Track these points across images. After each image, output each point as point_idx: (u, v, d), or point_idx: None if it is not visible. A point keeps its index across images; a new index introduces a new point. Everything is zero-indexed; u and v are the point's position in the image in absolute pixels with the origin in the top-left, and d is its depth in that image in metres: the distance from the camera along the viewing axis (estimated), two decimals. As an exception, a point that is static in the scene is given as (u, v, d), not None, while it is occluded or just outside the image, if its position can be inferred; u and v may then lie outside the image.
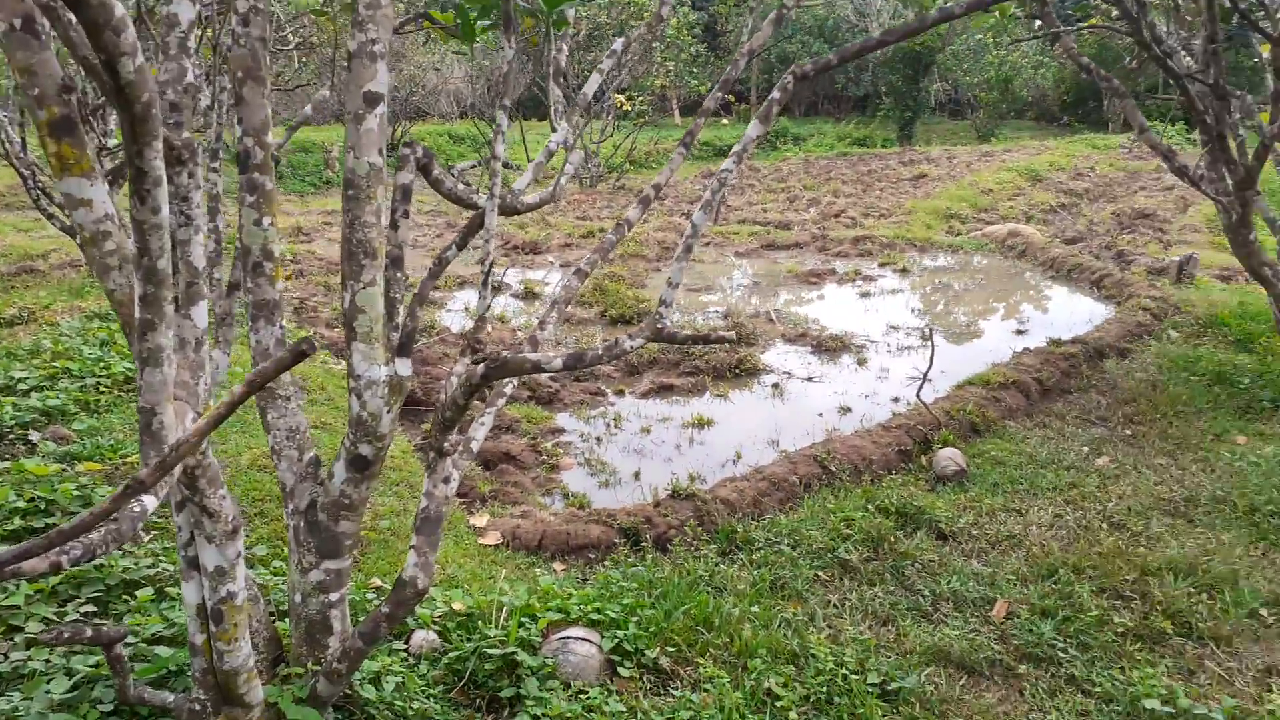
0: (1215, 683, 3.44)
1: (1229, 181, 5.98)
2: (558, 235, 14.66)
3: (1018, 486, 5.25)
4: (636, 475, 5.74)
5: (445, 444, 2.67)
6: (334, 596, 2.89)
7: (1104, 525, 4.71)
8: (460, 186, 3.24)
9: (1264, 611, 3.86)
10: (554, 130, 3.34)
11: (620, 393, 7.32)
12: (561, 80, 3.85)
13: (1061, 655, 3.61)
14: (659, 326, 2.66)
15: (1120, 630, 3.73)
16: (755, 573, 4.19)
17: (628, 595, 3.83)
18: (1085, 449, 5.75)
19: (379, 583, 3.92)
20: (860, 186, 20.02)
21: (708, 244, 13.88)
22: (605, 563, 4.45)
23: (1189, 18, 6.48)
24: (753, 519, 4.86)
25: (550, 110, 3.46)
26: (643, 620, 3.65)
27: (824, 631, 3.79)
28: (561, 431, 6.48)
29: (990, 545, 4.59)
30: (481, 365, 2.51)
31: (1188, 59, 6.05)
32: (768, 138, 26.55)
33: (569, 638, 3.44)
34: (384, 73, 2.43)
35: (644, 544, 4.53)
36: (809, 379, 7.50)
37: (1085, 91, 30.09)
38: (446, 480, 2.71)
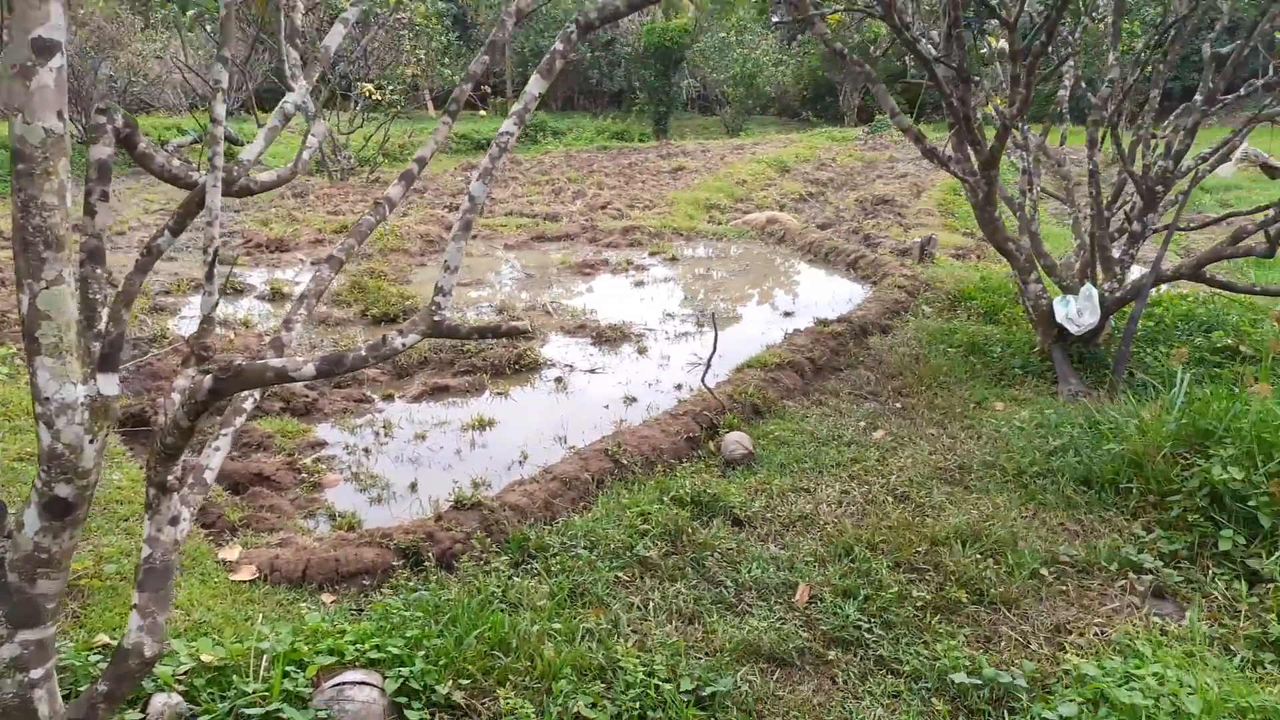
0: (1012, 647, 3.50)
1: (974, 161, 6.32)
2: (307, 231, 13.60)
3: (804, 465, 5.26)
4: (413, 487, 5.25)
5: (169, 477, 2.14)
6: (36, 674, 2.28)
7: (889, 498, 4.79)
8: (175, 163, 2.68)
9: (1044, 571, 4.01)
10: (289, 91, 2.84)
11: (389, 397, 6.75)
12: (298, 42, 3.33)
13: (868, 636, 3.55)
14: (436, 319, 2.28)
15: (919, 604, 3.74)
16: (552, 582, 3.87)
17: (411, 626, 3.39)
18: (862, 423, 5.88)
19: (106, 639, 3.26)
20: (623, 179, 20.15)
21: (475, 236, 13.36)
22: (383, 589, 3.97)
23: (930, 7, 6.83)
24: (546, 523, 4.53)
25: (285, 72, 2.95)
26: (430, 652, 3.23)
27: (630, 639, 3.53)
28: (323, 445, 5.85)
29: (785, 527, 4.53)
30: (210, 376, 2.01)
31: (930, 47, 6.33)
32: (527, 131, 26.20)
33: (345, 683, 2.97)
34: (59, 14, 1.88)
35: (427, 564, 4.09)
36: (592, 371, 7.27)
37: (822, 87, 32.06)
38: (174, 521, 2.19)
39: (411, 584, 3.95)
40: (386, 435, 6.03)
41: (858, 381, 6.70)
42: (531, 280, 10.69)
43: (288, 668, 3.04)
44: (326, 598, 3.90)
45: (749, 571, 4.05)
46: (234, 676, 3.01)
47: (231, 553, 4.14)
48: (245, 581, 3.91)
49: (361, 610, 3.78)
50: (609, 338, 8.01)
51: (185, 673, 2.96)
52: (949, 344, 7.30)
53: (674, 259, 11.58)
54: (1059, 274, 6.93)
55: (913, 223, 14.63)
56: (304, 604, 3.81)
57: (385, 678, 3.06)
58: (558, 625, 3.51)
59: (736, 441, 5.37)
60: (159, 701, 2.76)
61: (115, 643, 3.15)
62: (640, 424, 5.70)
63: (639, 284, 10.29)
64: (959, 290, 8.69)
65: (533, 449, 5.75)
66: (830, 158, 22.69)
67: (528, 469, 5.45)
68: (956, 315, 8.20)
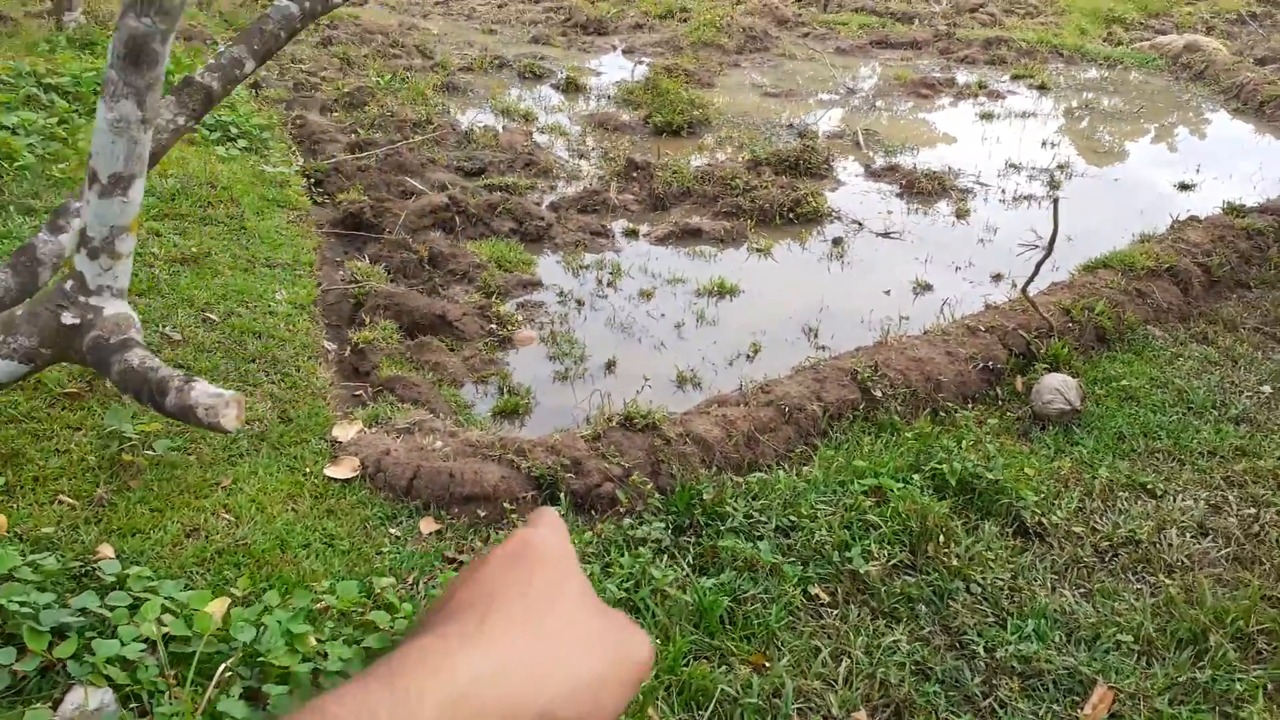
0: None
1: None
2: (633, 13, 12.42)
3: (1155, 444, 3.51)
4: (610, 366, 4.17)
5: None
6: None
7: (1291, 544, 2.98)
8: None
9: None
10: None
11: (633, 233, 5.62)
12: None
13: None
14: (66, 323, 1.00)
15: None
16: (705, 588, 2.65)
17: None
18: (1266, 387, 3.89)
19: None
20: (1007, -26, 16.72)
21: (805, 35, 11.50)
22: (500, 526, 2.99)
23: None
24: (740, 471, 3.28)
25: None
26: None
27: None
28: (536, 286, 4.89)
29: (1100, 557, 2.94)
30: None
31: None
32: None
33: None
34: None
35: (562, 499, 3.04)
36: (885, 234, 5.64)
37: None
38: None
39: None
40: (610, 286, 4.94)
41: (1273, 311, 4.54)
42: (852, 96, 8.83)
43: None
44: (427, 525, 2.99)
45: (1018, 635, 2.58)
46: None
47: (346, 431, 3.33)
48: (340, 481, 3.09)
49: (460, 555, 2.83)
50: (922, 189, 6.22)
51: (148, 641, 2.15)
52: None
53: (1042, 87, 9.09)
54: None
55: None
56: (394, 528, 2.93)
57: None
58: (682, 673, 2.33)
59: (1057, 388, 3.68)
60: (73, 700, 1.98)
61: None
62: (919, 335, 4.12)
63: (986, 116, 8.11)
64: None
65: (771, 339, 4.41)
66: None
67: (756, 365, 4.16)
68: None
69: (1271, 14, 13.85)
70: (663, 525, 2.93)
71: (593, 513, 3.05)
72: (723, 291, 4.87)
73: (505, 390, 3.94)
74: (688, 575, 2.74)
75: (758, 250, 5.41)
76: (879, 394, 3.63)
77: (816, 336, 4.44)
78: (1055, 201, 3.73)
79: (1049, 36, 10.99)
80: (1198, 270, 4.75)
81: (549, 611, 0.48)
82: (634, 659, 0.49)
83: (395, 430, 3.37)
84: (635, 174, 6.26)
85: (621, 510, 3.02)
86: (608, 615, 0.51)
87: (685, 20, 11.57)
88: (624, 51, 10.59)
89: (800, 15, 12.36)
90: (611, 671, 0.48)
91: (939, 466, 3.19)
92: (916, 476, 3.16)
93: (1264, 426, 3.60)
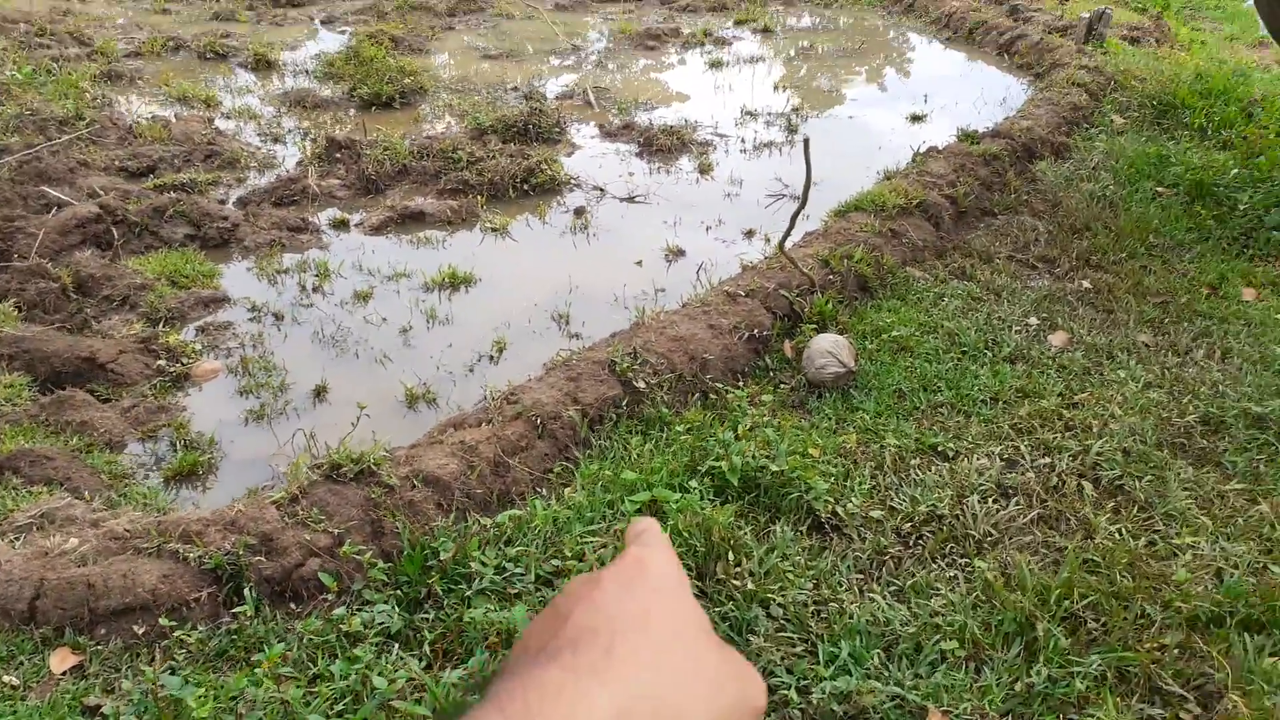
0: None
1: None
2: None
3: (937, 398, 3.22)
4: (319, 393, 3.41)
5: None
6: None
7: (1090, 489, 2.74)
8: None
9: None
10: None
11: (342, 224, 4.81)
12: None
13: None
14: None
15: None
16: (451, 685, 2.02)
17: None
18: (1031, 320, 3.73)
19: None
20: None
21: (522, -6, 10.82)
22: (161, 644, 2.21)
23: None
24: (487, 509, 2.66)
25: None
26: None
27: None
28: (221, 303, 4.00)
29: (903, 542, 2.58)
30: None
31: None
32: None
33: None
34: None
35: (248, 594, 2.29)
36: (630, 199, 5.15)
37: None
38: None
39: (215, 635, 2.18)
40: (316, 291, 4.14)
41: (1020, 237, 4.45)
42: (576, 52, 8.29)
43: None
44: (60, 661, 2.16)
45: (833, 666, 2.14)
46: None
47: (-65, 546, 2.39)
48: (-82, 624, 2.18)
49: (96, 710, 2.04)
50: (662, 145, 5.78)
51: None
52: (1159, 180, 4.89)
53: (766, 30, 8.96)
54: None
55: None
56: (8, 679, 2.08)
57: None
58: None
59: (828, 352, 3.32)
60: None
61: None
62: (678, 309, 3.65)
63: (715, 64, 7.82)
64: (1164, 92, 6.08)
65: (517, 332, 3.80)
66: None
67: (502, 369, 3.54)
68: (1163, 131, 5.68)
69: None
70: (389, 605, 2.27)
71: (293, 604, 2.33)
72: (455, 282, 4.19)
73: (181, 445, 3.09)
74: (427, 669, 2.10)
75: (492, 230, 4.76)
76: (642, 385, 3.12)
77: (568, 324, 3.87)
78: (806, 142, 3.33)
79: (766, -19, 10.95)
80: (945, 203, 4.60)
81: (671, 648, 0.45)
82: (751, 704, 0.47)
83: (13, 530, 2.48)
84: (340, 154, 5.40)
85: (331, 596, 2.32)
86: (724, 653, 0.48)
87: (390, -16, 10.56)
88: (323, 21, 9.51)
89: (516, -28, 11.66)
90: (730, 714, 0.45)
91: (717, 464, 2.71)
92: (694, 481, 2.67)
93: (1038, 362, 3.42)
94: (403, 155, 5.32)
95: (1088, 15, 8.35)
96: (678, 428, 2.98)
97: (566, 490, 2.72)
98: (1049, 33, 8.26)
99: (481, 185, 5.10)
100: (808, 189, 3.43)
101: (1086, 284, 4.02)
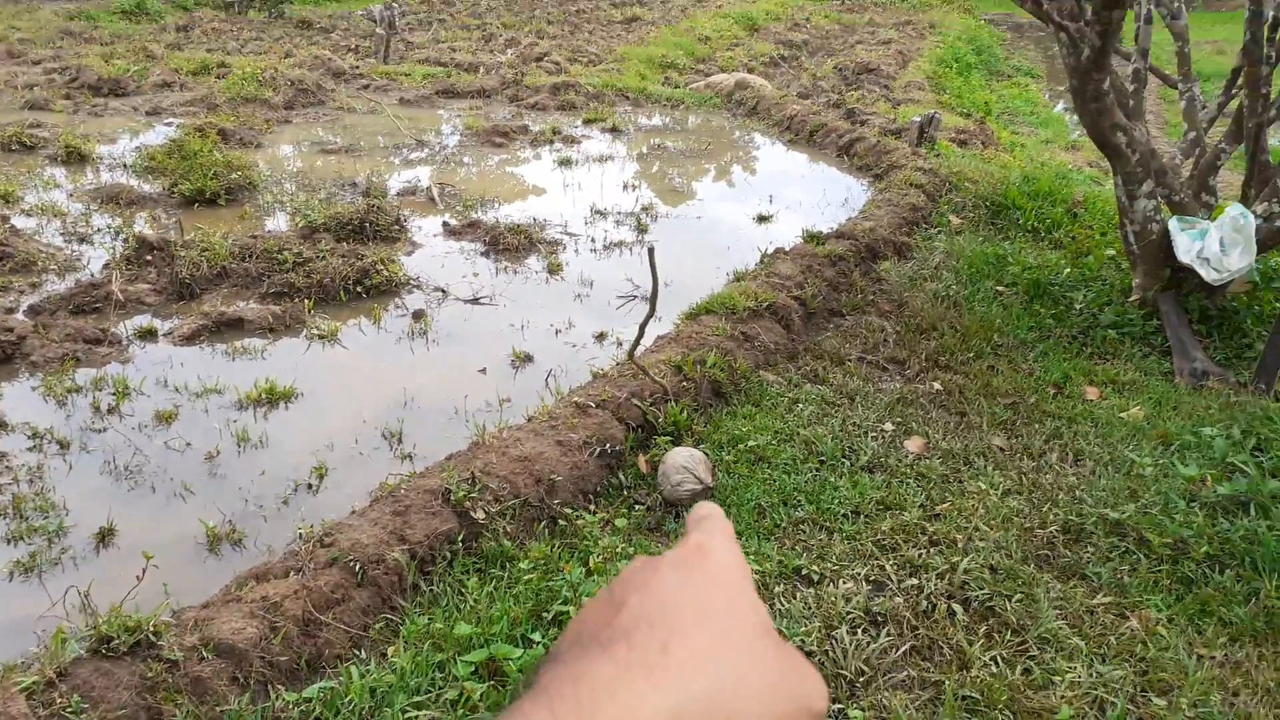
0: None
1: (1090, -1, 3.92)
2: (159, 71, 10.65)
3: (797, 514, 3.04)
4: (105, 538, 2.93)
5: None
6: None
7: (962, 614, 2.58)
8: None
9: None
10: None
11: (149, 334, 4.32)
12: None
13: None
14: None
15: None
16: None
17: None
18: (887, 425, 3.64)
19: None
20: (568, 27, 17.18)
21: (366, 87, 10.58)
22: None
23: None
24: (294, 680, 2.26)
25: None
26: None
27: None
28: (-8, 431, 3.45)
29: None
30: None
31: None
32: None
33: None
34: None
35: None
36: (474, 301, 4.87)
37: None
38: None
39: None
40: (111, 412, 3.64)
41: (869, 338, 4.43)
42: (422, 149, 8.07)
43: None
44: None
45: None
46: None
47: None
48: None
49: None
50: (509, 244, 5.57)
51: None
52: (999, 280, 5.02)
53: (615, 129, 9.01)
54: (1167, 185, 4.64)
55: (901, 97, 12.13)
56: None
57: None
58: None
59: (684, 468, 3.10)
60: None
61: None
62: (524, 424, 3.37)
63: (565, 163, 7.75)
64: (995, 194, 6.35)
65: (341, 455, 3.42)
66: (804, 17, 19.78)
67: (321, 500, 3.15)
68: (998, 231, 5.89)
69: (795, 56, 15.47)
70: (160, 822, 1.83)
71: (33, 832, 1.86)
72: (274, 398, 3.78)
73: (-83, 614, 2.55)
74: None
75: (320, 336, 4.37)
76: (481, 515, 2.80)
77: (400, 442, 3.52)
78: (650, 252, 3.16)
79: (614, 81, 11.12)
80: (795, 304, 4.54)
81: (731, 646, 0.42)
82: (811, 708, 0.44)
83: None
84: (151, 256, 4.92)
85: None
86: (785, 653, 0.45)
87: (224, 77, 10.12)
88: (148, 112, 8.95)
89: (358, 67, 11.43)
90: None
91: (565, 609, 2.42)
92: (539, 633, 2.36)
93: (896, 471, 3.30)
94: (223, 256, 4.89)
95: (919, 119, 8.80)
96: (521, 564, 2.67)
97: (390, 650, 2.36)
98: (884, 135, 8.64)
99: (310, 288, 4.73)
100: (654, 298, 3.25)
101: (937, 385, 4.00)
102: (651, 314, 3.28)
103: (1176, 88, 5.25)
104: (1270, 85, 4.37)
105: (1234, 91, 4.98)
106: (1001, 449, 3.52)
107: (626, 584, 0.44)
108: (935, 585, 2.70)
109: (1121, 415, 3.69)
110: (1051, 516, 3.04)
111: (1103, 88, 4.08)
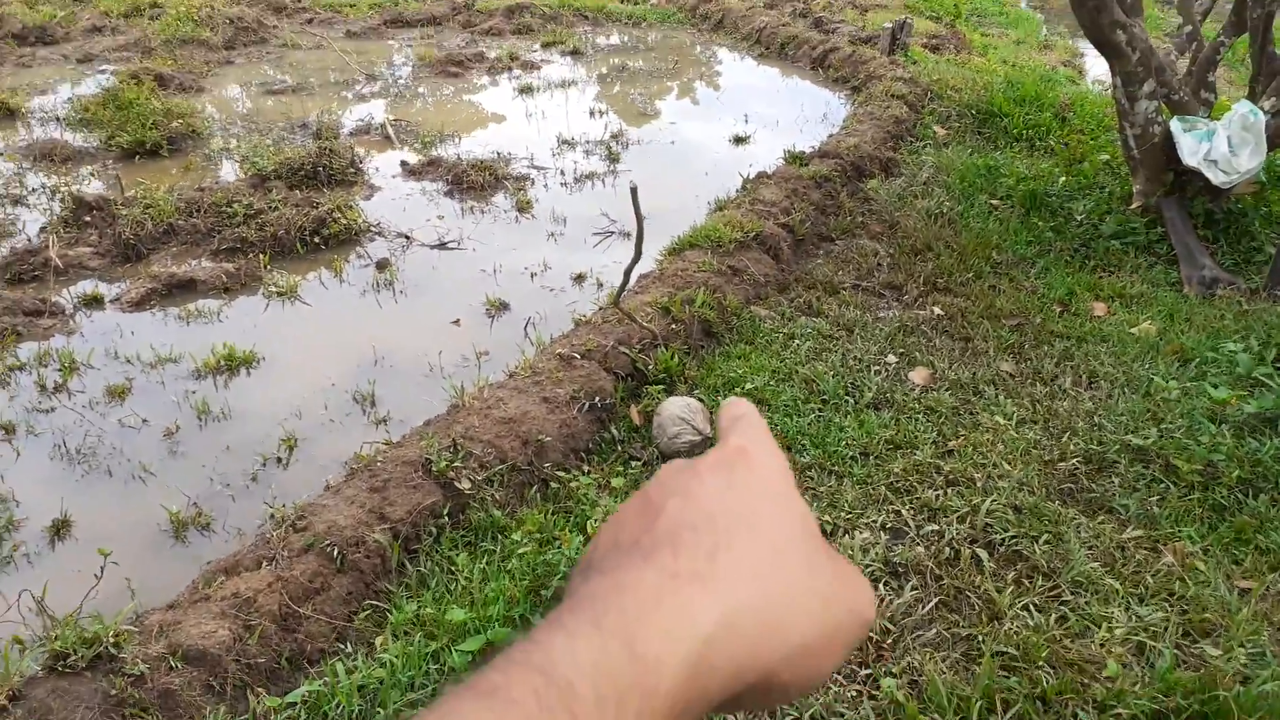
0: None
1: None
2: (91, 15, 10.01)
3: (803, 459, 2.86)
4: (59, 530, 2.69)
5: None
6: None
7: (987, 558, 2.42)
8: None
9: None
10: None
11: (94, 301, 4.02)
12: None
13: None
14: None
15: None
16: None
17: None
18: (889, 356, 3.44)
19: None
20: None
21: (309, 21, 10.02)
22: None
23: None
24: (272, 681, 2.06)
25: None
26: None
27: None
28: (-73, 419, 3.18)
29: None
30: None
31: None
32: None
33: None
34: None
35: None
36: (441, 245, 4.59)
37: None
38: None
39: None
40: (60, 389, 3.37)
41: (863, 263, 4.21)
42: (372, 83, 7.64)
43: None
44: None
45: None
46: None
47: None
48: None
49: None
50: (473, 182, 5.25)
51: None
52: (992, 193, 4.79)
53: (576, 52, 8.58)
54: (1165, 83, 4.40)
55: (869, 3, 11.74)
56: None
57: None
58: None
59: (681, 419, 2.90)
60: None
61: None
62: (506, 380, 3.14)
63: (526, 90, 7.36)
64: (981, 101, 6.08)
65: (311, 424, 3.18)
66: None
67: (292, 475, 2.92)
68: (987, 141, 5.64)
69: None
70: None
71: None
72: (234, 365, 3.52)
73: None
74: None
75: (278, 294, 4.09)
76: (467, 485, 2.59)
77: (374, 406, 3.29)
78: (634, 191, 2.90)
79: (570, 0, 10.61)
80: (783, 232, 4.30)
81: (780, 555, 0.39)
82: (860, 617, 0.41)
83: None
84: (90, 216, 4.58)
85: None
86: (835, 562, 0.42)
87: (157, 18, 9.53)
88: (79, 60, 8.40)
89: (300, 1, 10.83)
90: (838, 630, 0.40)
91: (565, 584, 2.22)
92: (538, 614, 2.17)
93: (904, 407, 3.12)
94: (168, 213, 4.56)
95: (890, 25, 8.44)
96: (514, 535, 2.47)
97: (378, 640, 2.16)
98: (855, 43, 8.30)
99: (264, 241, 4.42)
100: (640, 242, 3.00)
101: (938, 310, 3.80)
102: (637, 259, 3.03)
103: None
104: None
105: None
106: (1011, 375, 3.34)
107: (664, 487, 0.41)
108: (956, 530, 2.53)
109: (1133, 331, 3.52)
110: (1071, 447, 2.88)
111: (1103, -18, 3.81)
